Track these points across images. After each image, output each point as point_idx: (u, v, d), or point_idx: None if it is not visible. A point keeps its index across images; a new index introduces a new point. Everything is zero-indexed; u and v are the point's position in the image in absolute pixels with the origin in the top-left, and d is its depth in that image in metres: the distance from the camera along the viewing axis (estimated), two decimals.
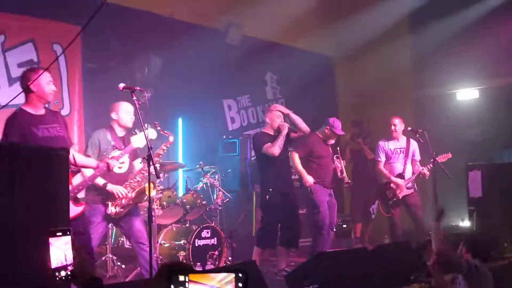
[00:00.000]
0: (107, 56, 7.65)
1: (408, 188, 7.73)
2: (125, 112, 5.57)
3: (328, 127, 7.32)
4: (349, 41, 10.47)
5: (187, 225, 7.02)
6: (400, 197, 7.71)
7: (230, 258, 7.09)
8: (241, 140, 8.72)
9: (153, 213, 6.26)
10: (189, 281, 1.94)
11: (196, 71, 8.69)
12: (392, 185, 7.75)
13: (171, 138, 5.61)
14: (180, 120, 8.54)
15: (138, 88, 4.76)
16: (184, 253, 6.52)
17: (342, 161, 7.71)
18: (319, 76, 10.65)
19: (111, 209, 5.38)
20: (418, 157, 7.91)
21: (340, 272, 5.02)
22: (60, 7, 7.02)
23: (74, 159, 4.74)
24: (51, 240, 2.43)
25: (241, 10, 8.93)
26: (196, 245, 6.62)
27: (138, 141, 5.18)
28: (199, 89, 8.73)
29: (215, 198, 7.49)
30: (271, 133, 6.91)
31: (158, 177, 4.68)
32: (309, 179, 7.09)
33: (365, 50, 10.42)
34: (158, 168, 4.77)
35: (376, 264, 5.38)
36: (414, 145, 7.90)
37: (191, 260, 6.47)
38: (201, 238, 6.71)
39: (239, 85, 9.60)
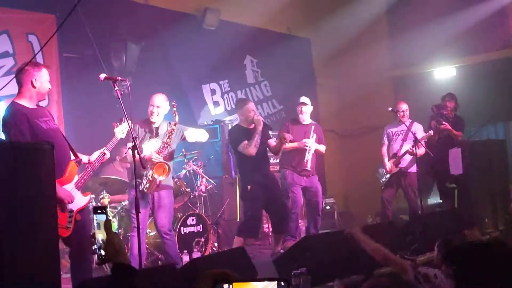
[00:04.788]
0: (83, 45, 7.51)
1: (398, 166, 7.88)
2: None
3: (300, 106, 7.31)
4: (326, 24, 10.46)
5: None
6: (391, 174, 7.89)
7: (216, 244, 7.11)
8: (222, 126, 8.66)
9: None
10: None
11: (174, 57, 8.62)
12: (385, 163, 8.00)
13: (176, 118, 5.79)
14: None
15: (119, 78, 4.70)
16: None
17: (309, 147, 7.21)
18: (297, 58, 10.66)
19: (145, 186, 5.58)
20: (420, 137, 7.78)
21: (327, 254, 5.05)
22: None
23: (75, 152, 4.78)
24: (95, 217, 2.32)
25: None
26: (182, 232, 6.63)
27: (121, 132, 5.11)
28: (178, 75, 8.67)
29: (198, 185, 7.47)
30: (246, 126, 6.78)
31: (143, 167, 4.63)
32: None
33: (341, 32, 10.42)
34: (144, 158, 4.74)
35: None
36: (416, 126, 8.01)
37: (177, 248, 6.45)
38: (186, 225, 6.72)
39: (219, 69, 9.54)
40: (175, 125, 5.79)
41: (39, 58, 7.03)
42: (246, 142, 6.56)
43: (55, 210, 3.67)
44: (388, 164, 7.91)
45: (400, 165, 7.88)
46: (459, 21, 9.53)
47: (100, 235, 2.31)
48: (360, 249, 4.95)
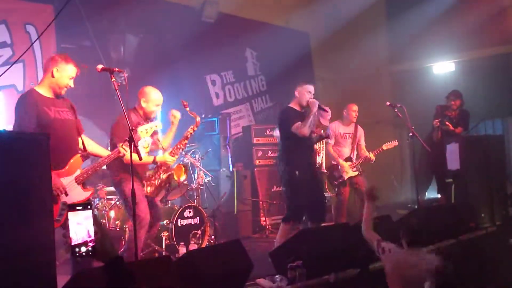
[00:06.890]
0: (81, 36, 7.51)
1: (354, 171, 8.01)
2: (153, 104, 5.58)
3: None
4: (325, 18, 10.45)
5: (169, 205, 6.99)
6: (345, 179, 7.97)
7: (213, 237, 7.11)
8: (220, 118, 8.65)
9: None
10: None
11: (173, 49, 8.61)
12: (339, 166, 7.99)
13: (198, 119, 5.78)
14: None
15: (116, 69, 4.65)
16: (167, 233, 6.51)
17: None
18: (297, 52, 10.64)
19: (147, 189, 5.55)
20: (363, 142, 8.22)
21: (324, 247, 5.05)
22: None
23: (84, 145, 4.76)
24: (70, 214, 2.29)
25: None
26: (179, 225, 6.62)
27: (144, 131, 4.94)
28: (177, 66, 8.65)
29: (196, 177, 7.48)
30: (298, 109, 6.45)
31: (140, 159, 4.60)
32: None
33: (341, 26, 10.41)
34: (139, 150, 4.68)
35: (358, 239, 5.42)
36: (360, 131, 8.23)
37: (174, 240, 6.47)
38: (183, 217, 6.71)
39: (221, 61, 9.51)
40: (196, 126, 5.80)
41: (37, 49, 7.02)
42: (299, 123, 6.23)
43: (51, 201, 3.66)
44: (346, 166, 7.95)
45: (355, 169, 8.02)
46: (459, 16, 9.52)
47: (82, 230, 2.28)
48: (356, 243, 4.97)
